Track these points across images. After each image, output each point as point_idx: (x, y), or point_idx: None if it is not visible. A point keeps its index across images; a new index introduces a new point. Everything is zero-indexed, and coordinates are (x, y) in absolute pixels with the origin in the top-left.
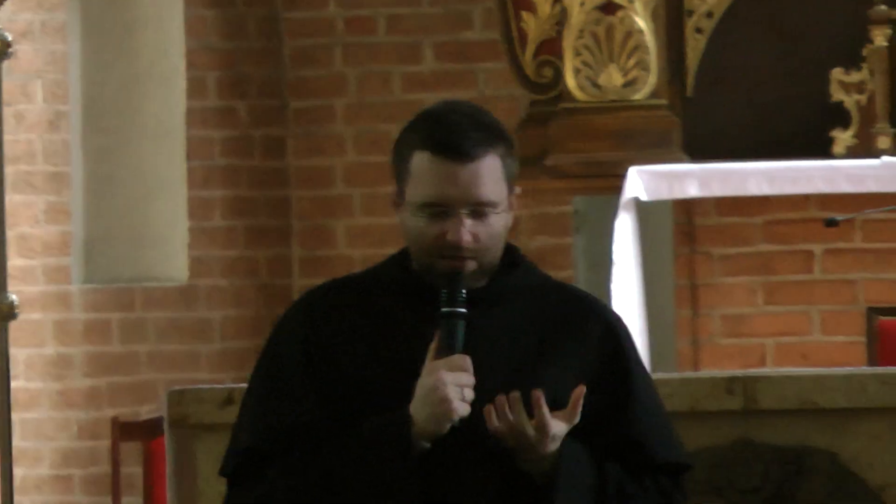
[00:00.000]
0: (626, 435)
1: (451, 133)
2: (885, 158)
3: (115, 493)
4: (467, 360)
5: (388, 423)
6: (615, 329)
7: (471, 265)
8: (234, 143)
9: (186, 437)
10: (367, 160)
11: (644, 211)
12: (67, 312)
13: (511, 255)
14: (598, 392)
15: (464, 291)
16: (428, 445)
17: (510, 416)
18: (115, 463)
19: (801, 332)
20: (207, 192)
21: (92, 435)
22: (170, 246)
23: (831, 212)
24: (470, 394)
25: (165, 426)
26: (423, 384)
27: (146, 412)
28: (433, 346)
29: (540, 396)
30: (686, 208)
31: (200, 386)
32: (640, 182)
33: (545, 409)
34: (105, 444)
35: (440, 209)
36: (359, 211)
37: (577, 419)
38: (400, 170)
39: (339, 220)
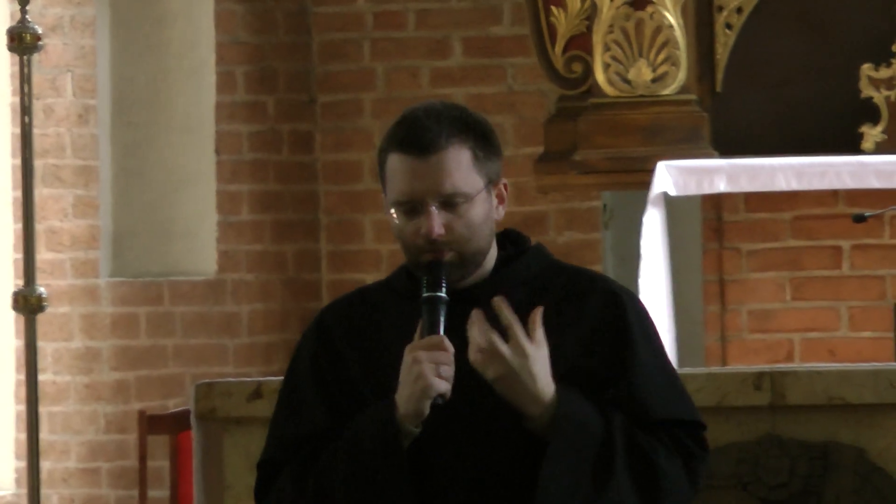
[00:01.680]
0: (629, 395)
1: (412, 129)
2: None
3: (143, 487)
4: (444, 340)
5: (374, 412)
6: (617, 299)
7: (449, 256)
8: (262, 137)
9: (214, 431)
10: None
11: (672, 206)
12: (95, 306)
13: (517, 244)
14: (599, 358)
15: (443, 277)
16: (416, 430)
17: (476, 334)
18: (143, 456)
19: (828, 328)
20: (235, 187)
21: (119, 428)
22: (198, 240)
23: (860, 207)
24: (447, 371)
25: (193, 419)
26: (402, 367)
27: (173, 405)
28: (417, 332)
29: (500, 300)
30: (714, 203)
31: (228, 379)
32: (668, 177)
33: (507, 311)
34: (132, 437)
35: (412, 205)
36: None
37: (541, 340)
38: (381, 176)
39: (366, 215)
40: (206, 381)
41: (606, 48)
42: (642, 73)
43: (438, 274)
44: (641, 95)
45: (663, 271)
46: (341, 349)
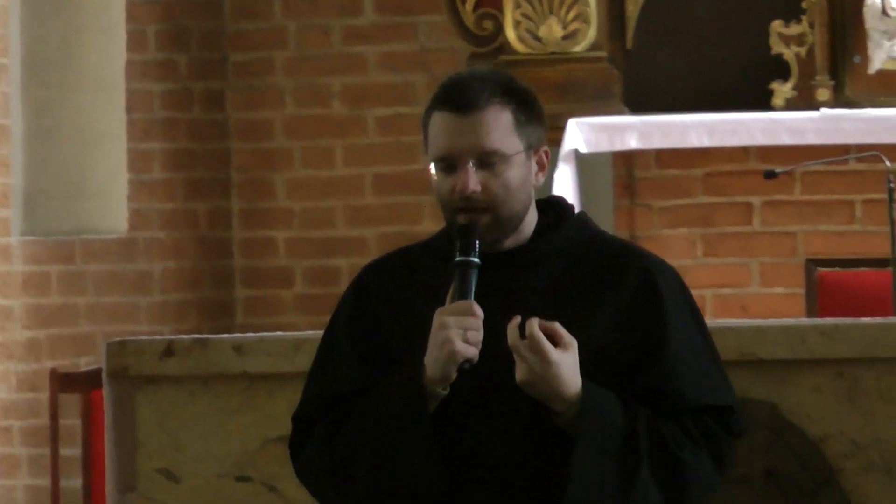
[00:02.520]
0: (660, 380)
1: (455, 88)
2: (825, 110)
3: (55, 445)
4: (474, 305)
5: (402, 374)
6: (654, 277)
7: (485, 217)
8: (173, 95)
9: (126, 389)
10: (307, 113)
11: (584, 163)
12: (7, 265)
13: (560, 213)
14: (633, 338)
15: (476, 241)
16: (443, 392)
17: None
18: (54, 415)
19: (740, 284)
20: (147, 145)
21: (31, 387)
22: (109, 198)
23: (771, 164)
24: (475, 336)
25: (105, 378)
26: (432, 331)
27: (85, 364)
28: (449, 295)
29: (530, 323)
30: (626, 160)
31: (140, 338)
32: (580, 134)
33: (534, 328)
34: (44, 395)
35: (450, 162)
36: (298, 163)
37: (569, 342)
38: (425, 135)
39: (278, 173)
40: (118, 339)
41: (517, 5)
42: (553, 30)
43: (471, 238)
44: (552, 53)
45: None
46: (378, 309)
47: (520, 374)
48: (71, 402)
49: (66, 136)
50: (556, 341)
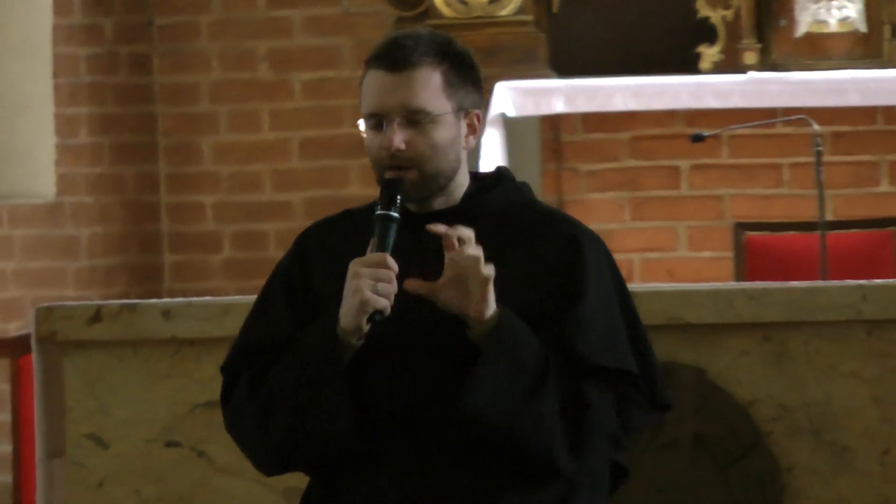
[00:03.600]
0: (567, 336)
1: (389, 47)
2: (751, 74)
3: None
4: (387, 258)
5: (319, 324)
6: (579, 243)
7: (411, 174)
8: (99, 60)
9: (54, 354)
10: (233, 77)
11: (511, 127)
12: None
13: (497, 180)
14: (546, 300)
15: (398, 197)
16: (357, 342)
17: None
18: None
19: (667, 248)
20: (73, 110)
21: None
22: (36, 163)
23: (698, 127)
24: (386, 288)
25: (33, 343)
26: (346, 281)
27: (14, 329)
28: (369, 249)
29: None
30: (553, 124)
31: (68, 303)
32: (507, 98)
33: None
34: None
35: (378, 119)
36: (224, 128)
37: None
38: (360, 91)
39: (204, 137)
40: (47, 304)
41: None
42: None
43: (393, 192)
44: (478, 17)
45: None
46: (314, 265)
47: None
48: None
49: None
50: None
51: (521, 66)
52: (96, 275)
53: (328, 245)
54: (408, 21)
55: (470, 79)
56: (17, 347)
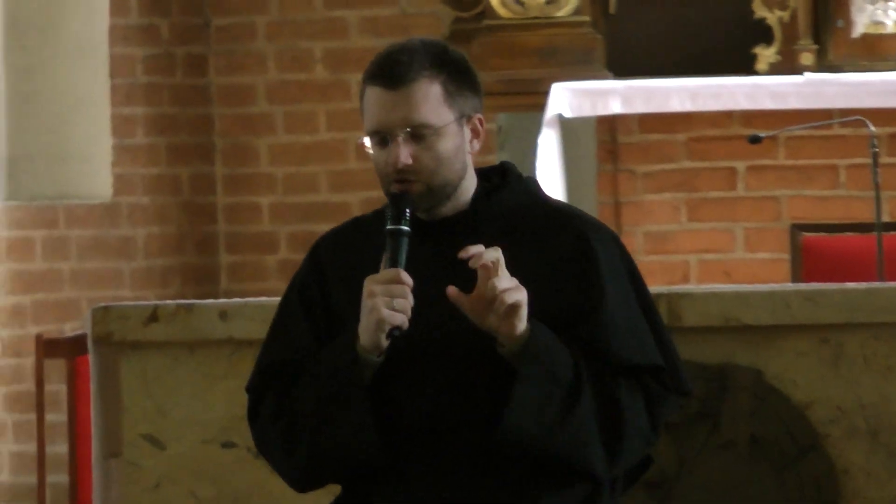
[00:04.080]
0: (592, 339)
1: (384, 63)
2: (808, 75)
3: (40, 411)
4: (401, 273)
5: (339, 341)
6: (589, 240)
7: (418, 187)
8: (156, 60)
9: (110, 355)
10: (289, 77)
11: (567, 128)
12: None
13: (501, 176)
14: (567, 299)
15: (408, 210)
16: (377, 359)
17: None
18: (40, 380)
19: (724, 249)
20: (130, 110)
21: (16, 352)
22: (93, 163)
23: (754, 129)
24: (402, 304)
25: (89, 343)
26: (362, 299)
27: (70, 329)
28: (382, 264)
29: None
30: (609, 125)
31: (124, 303)
32: (563, 99)
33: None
34: (29, 361)
35: (382, 135)
36: (281, 129)
37: (504, 277)
38: (361, 108)
39: (261, 138)
40: (103, 304)
41: None
42: None
43: (402, 206)
44: (535, 17)
45: (559, 193)
46: (330, 278)
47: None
48: (56, 368)
49: (49, 101)
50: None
51: (577, 67)
52: (153, 275)
53: (341, 256)
54: (464, 22)
55: (468, 84)
56: (73, 348)
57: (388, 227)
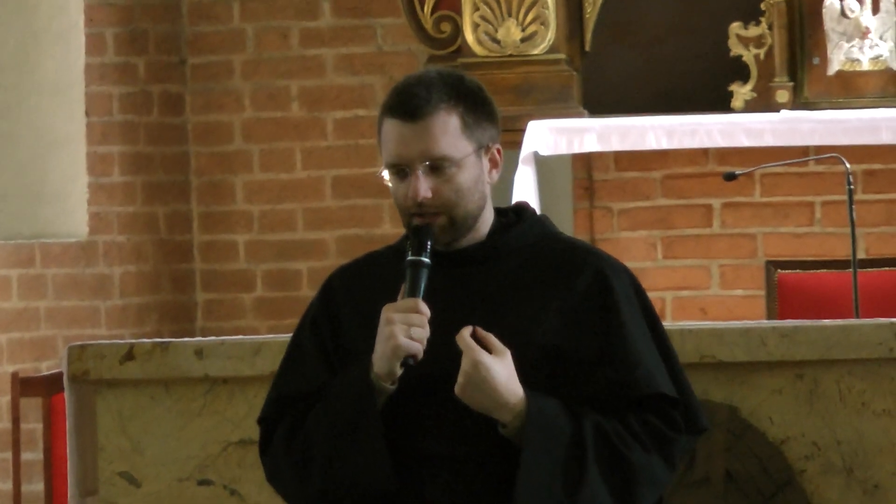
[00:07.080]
0: (614, 370)
1: (402, 96)
2: (784, 112)
3: (16, 449)
4: (419, 303)
5: (353, 370)
6: (607, 276)
7: (439, 220)
8: (132, 98)
9: (86, 393)
10: (265, 116)
11: (543, 165)
12: None
13: (518, 214)
14: (586, 334)
15: (428, 242)
16: (391, 387)
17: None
18: (16, 419)
19: (700, 286)
20: (106, 148)
21: None
22: (69, 202)
23: (730, 166)
24: (419, 333)
25: (66, 382)
26: (378, 327)
27: (46, 368)
28: (400, 294)
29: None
30: (585, 163)
31: (100, 342)
32: (539, 136)
33: (463, 334)
34: (5, 399)
35: (401, 168)
36: (257, 167)
37: (501, 350)
38: (379, 140)
39: (237, 176)
40: (79, 343)
41: (475, 8)
42: (511, 32)
43: (423, 238)
44: (511, 55)
45: None
46: (343, 311)
47: (457, 383)
48: (32, 406)
49: (25, 140)
50: (488, 349)
51: (553, 105)
52: (129, 313)
53: (355, 290)
54: (440, 60)
55: (486, 114)
56: (49, 386)
57: (409, 257)
